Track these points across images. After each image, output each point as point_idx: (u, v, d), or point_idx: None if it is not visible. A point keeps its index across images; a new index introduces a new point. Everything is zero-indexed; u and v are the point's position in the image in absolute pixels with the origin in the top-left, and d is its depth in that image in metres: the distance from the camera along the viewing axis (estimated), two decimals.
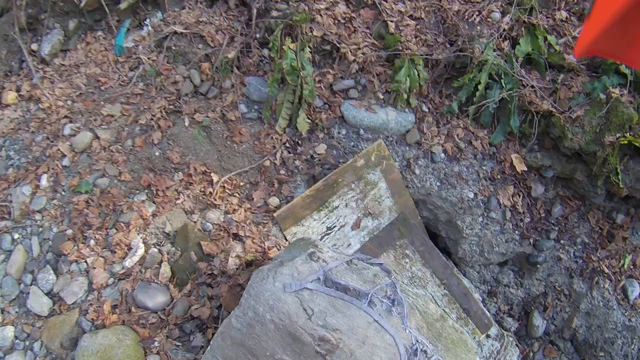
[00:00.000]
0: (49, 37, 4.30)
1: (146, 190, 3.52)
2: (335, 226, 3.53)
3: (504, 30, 3.78)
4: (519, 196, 3.78)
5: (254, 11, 3.95)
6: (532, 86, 3.72)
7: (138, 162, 3.61)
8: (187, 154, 3.64)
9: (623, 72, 3.61)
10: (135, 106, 3.85)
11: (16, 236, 3.59)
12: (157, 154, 3.64)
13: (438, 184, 3.69)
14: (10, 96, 4.15)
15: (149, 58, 4.02)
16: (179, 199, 3.48)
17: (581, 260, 3.76)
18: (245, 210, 3.47)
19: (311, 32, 3.71)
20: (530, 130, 3.76)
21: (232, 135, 3.70)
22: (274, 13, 3.89)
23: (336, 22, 3.82)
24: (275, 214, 3.44)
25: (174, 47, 3.95)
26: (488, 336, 3.64)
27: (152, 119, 3.75)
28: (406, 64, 3.60)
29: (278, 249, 3.33)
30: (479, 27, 3.80)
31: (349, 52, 3.73)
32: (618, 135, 3.50)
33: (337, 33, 3.78)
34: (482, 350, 3.59)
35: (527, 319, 3.84)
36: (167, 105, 3.79)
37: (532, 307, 3.81)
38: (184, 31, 3.94)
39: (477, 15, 3.84)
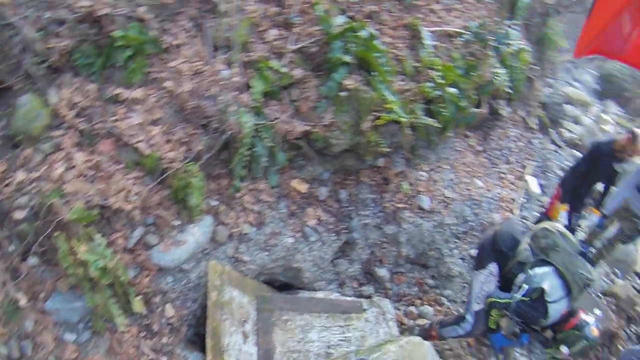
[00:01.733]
0: None
1: None
2: None
3: (239, 82, 3.68)
4: (316, 208, 4.25)
5: None
6: (278, 118, 3.88)
7: None
8: None
9: (345, 61, 3.88)
10: None
11: None
12: None
13: (266, 254, 3.86)
14: None
15: None
16: None
17: (380, 212, 4.56)
18: None
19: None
20: (292, 154, 4.06)
21: None
22: None
23: (86, 178, 3.13)
24: None
25: None
26: (364, 310, 4.29)
27: None
28: (189, 184, 3.35)
29: None
30: (220, 97, 3.57)
31: (122, 203, 3.20)
32: (370, 117, 4.01)
33: (98, 191, 3.13)
34: (370, 321, 4.15)
35: (373, 277, 4.64)
36: None
37: (372, 268, 4.59)
38: None
39: (213, 87, 3.59)
